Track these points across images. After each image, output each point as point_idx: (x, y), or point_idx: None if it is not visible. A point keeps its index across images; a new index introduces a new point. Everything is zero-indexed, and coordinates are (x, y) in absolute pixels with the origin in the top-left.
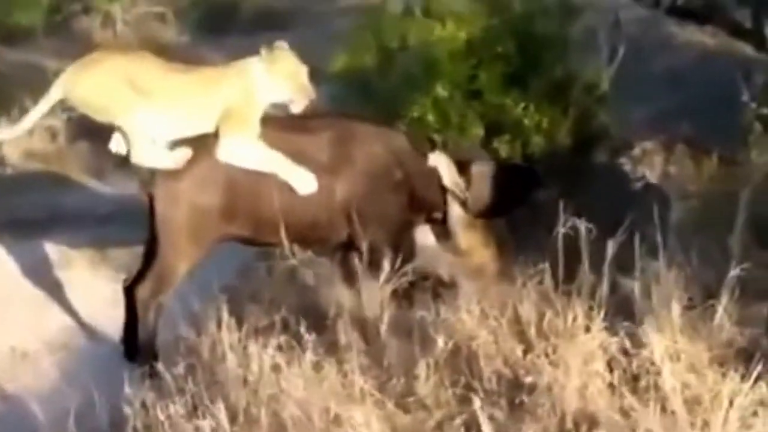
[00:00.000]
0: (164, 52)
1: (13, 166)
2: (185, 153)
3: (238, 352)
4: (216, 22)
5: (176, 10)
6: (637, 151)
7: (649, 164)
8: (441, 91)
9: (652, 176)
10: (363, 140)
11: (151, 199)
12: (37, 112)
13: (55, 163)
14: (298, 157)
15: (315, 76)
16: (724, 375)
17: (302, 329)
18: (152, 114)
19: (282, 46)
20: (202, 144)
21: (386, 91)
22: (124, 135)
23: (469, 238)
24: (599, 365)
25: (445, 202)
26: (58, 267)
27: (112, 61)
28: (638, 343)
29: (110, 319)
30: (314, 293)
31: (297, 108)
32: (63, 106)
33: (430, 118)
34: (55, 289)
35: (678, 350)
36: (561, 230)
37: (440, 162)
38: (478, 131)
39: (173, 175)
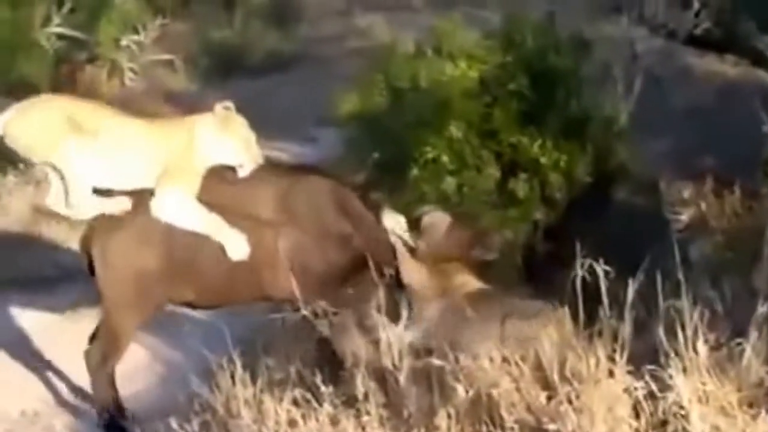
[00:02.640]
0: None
1: (20, 221)
2: (124, 201)
3: (254, 407)
4: (225, 67)
5: (185, 57)
6: (676, 197)
7: (686, 206)
8: (455, 131)
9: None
10: (308, 194)
11: (90, 259)
12: None
13: (62, 218)
14: (241, 210)
15: (324, 119)
16: (754, 417)
17: (318, 381)
18: (91, 158)
19: (228, 107)
20: (141, 201)
21: (398, 132)
22: (62, 182)
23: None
24: (624, 410)
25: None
26: (66, 324)
27: (54, 103)
28: (664, 387)
29: (123, 375)
30: (330, 344)
31: (244, 172)
32: None
33: (445, 159)
34: (63, 348)
35: (706, 392)
36: (579, 272)
37: (390, 218)
38: (495, 171)
39: (111, 234)
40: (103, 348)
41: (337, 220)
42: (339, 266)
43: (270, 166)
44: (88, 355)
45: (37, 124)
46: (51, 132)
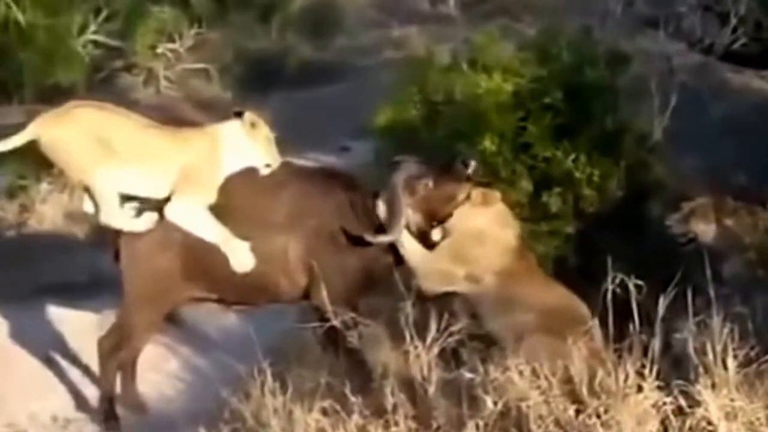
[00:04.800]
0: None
1: (54, 227)
2: (152, 216)
3: (283, 416)
4: (260, 77)
5: (220, 67)
6: (685, 210)
7: (701, 222)
8: (489, 144)
9: (706, 234)
10: (318, 200)
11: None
12: (6, 145)
13: (96, 224)
14: (254, 215)
15: (359, 130)
16: None
17: (348, 392)
18: (120, 172)
19: (250, 109)
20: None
21: (432, 145)
22: (92, 193)
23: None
24: (653, 425)
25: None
26: (100, 330)
27: (85, 116)
28: (693, 402)
29: (153, 384)
30: (359, 354)
31: (268, 171)
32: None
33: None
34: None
35: (735, 409)
36: (609, 287)
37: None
38: (528, 185)
39: (134, 234)
40: (116, 339)
41: (347, 219)
42: (355, 272)
43: (286, 171)
44: (100, 343)
45: (70, 144)
46: (83, 155)
